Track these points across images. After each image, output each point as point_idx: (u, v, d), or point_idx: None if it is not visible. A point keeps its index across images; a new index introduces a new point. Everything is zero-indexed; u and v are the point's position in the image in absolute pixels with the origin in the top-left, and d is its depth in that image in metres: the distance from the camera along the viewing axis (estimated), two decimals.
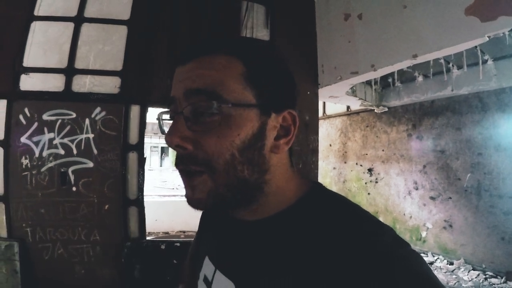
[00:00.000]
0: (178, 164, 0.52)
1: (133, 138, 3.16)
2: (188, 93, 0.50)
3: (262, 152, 0.52)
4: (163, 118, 0.60)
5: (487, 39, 2.28)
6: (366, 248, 0.42)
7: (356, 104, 6.46)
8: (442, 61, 4.66)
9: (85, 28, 3.20)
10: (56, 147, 3.00)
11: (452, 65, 4.85)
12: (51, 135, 3.00)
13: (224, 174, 0.49)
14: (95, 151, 3.05)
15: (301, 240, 0.48)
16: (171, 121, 0.55)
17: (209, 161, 0.48)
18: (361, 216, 0.50)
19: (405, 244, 0.45)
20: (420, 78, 5.55)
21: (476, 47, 3.66)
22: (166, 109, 0.58)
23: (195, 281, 0.69)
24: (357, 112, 7.19)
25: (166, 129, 0.53)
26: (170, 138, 0.49)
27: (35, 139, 2.97)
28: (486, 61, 4.46)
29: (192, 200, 0.52)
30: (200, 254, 0.72)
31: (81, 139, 3.03)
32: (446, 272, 4.66)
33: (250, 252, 0.55)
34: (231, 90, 0.49)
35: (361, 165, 7.07)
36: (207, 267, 0.64)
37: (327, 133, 8.11)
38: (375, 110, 6.48)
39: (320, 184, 0.60)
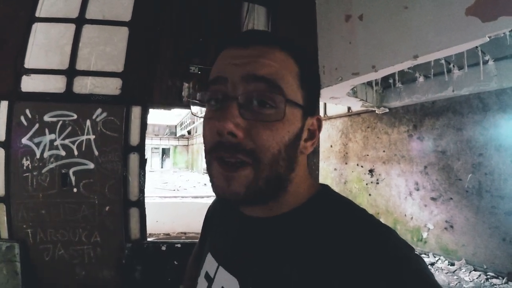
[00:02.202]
0: (221, 150, 0.48)
1: (134, 139, 3.16)
2: (249, 78, 0.48)
3: (297, 152, 0.53)
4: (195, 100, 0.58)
5: (488, 39, 2.27)
6: (376, 248, 0.42)
7: (357, 105, 6.44)
8: (442, 61, 4.66)
9: (86, 29, 3.21)
10: (57, 148, 3.00)
11: (453, 66, 4.85)
12: (52, 136, 3.00)
13: (268, 167, 0.49)
14: (96, 153, 3.05)
15: (312, 239, 0.49)
16: (200, 103, 0.56)
17: (257, 152, 0.47)
18: (368, 218, 0.50)
19: (410, 248, 0.46)
20: (421, 79, 5.55)
21: (476, 47, 3.66)
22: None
23: (196, 278, 0.69)
24: (358, 113, 7.17)
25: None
26: (224, 123, 0.46)
27: (36, 140, 2.98)
28: (487, 61, 4.46)
29: (227, 192, 0.49)
30: (203, 252, 0.72)
31: (82, 140, 3.04)
32: (447, 273, 4.65)
33: (260, 248, 0.54)
34: (290, 87, 0.50)
35: (362, 166, 7.06)
36: (209, 264, 0.64)
37: (328, 134, 8.10)
38: (376, 111, 6.47)
39: (328, 186, 0.61)
